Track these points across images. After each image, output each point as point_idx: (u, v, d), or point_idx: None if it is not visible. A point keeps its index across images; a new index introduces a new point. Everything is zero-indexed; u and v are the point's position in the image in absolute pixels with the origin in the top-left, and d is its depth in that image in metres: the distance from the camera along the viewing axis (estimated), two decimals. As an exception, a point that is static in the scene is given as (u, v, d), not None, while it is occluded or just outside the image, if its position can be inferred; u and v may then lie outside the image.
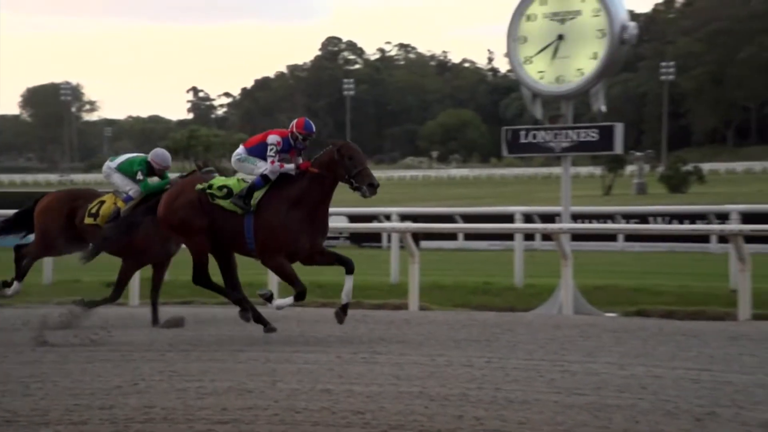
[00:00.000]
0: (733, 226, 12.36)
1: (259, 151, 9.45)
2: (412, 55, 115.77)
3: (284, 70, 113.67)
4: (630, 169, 56.75)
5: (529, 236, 15.17)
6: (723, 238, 13.28)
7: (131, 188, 10.46)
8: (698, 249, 18.12)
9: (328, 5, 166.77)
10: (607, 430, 5.86)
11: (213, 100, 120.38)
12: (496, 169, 74.26)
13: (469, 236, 20.82)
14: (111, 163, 10.81)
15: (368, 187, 9.06)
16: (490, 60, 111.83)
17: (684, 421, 6.04)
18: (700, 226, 16.67)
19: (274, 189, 9.31)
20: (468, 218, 19.28)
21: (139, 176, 10.46)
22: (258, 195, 9.26)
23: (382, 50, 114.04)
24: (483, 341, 9.33)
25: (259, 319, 9.50)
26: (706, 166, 58.28)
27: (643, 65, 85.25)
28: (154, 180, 10.59)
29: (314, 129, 9.47)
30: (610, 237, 19.34)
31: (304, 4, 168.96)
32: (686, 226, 17.81)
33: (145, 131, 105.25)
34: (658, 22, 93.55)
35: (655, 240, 19.10)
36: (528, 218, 17.30)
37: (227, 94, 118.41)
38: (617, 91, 74.43)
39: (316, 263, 9.58)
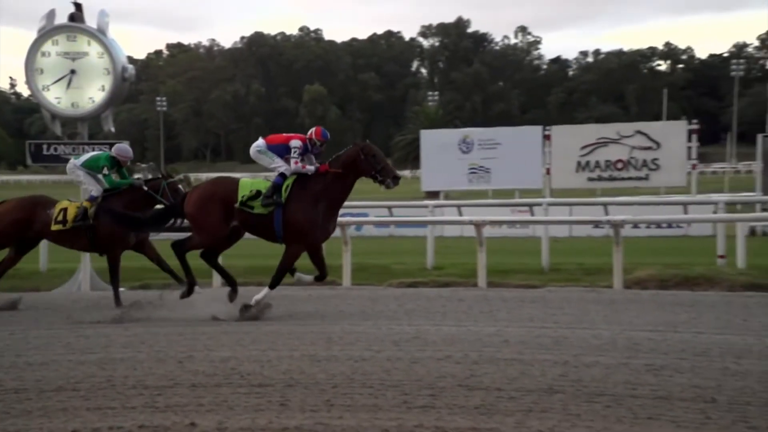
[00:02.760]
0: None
1: (278, 150, 8.39)
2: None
3: None
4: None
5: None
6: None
7: (93, 188, 9.23)
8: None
9: None
10: (112, 378, 5.66)
11: None
12: (23, 175, 68.23)
13: None
14: (76, 161, 9.45)
15: (393, 180, 8.16)
16: (13, 85, 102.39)
17: (168, 364, 6.03)
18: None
19: (301, 187, 8.24)
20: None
21: (105, 171, 9.20)
22: (285, 188, 8.19)
23: None
24: (5, 317, 8.46)
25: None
26: (193, 176, 60.43)
27: (143, 98, 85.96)
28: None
29: (329, 136, 8.54)
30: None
31: None
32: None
33: None
34: (152, 67, 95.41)
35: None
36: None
37: None
38: (124, 117, 73.93)
39: (314, 255, 8.42)
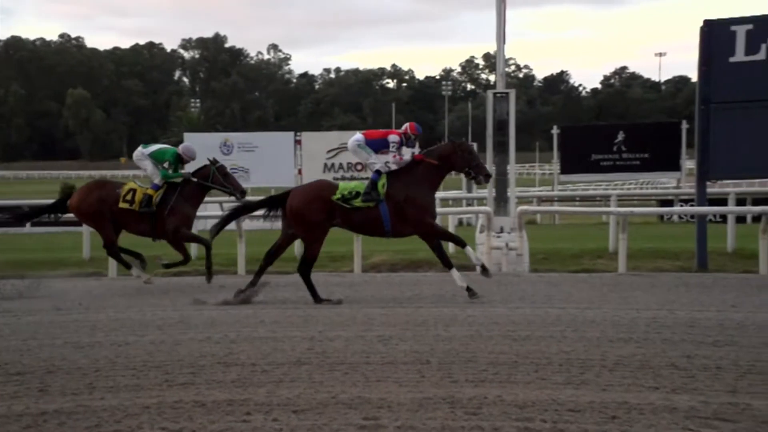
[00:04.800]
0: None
1: (376, 145, 7.93)
2: None
3: None
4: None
5: None
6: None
7: (157, 178, 8.97)
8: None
9: None
10: None
11: None
12: None
13: None
14: (144, 150, 9.17)
15: (485, 177, 7.92)
16: None
17: None
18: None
19: (399, 178, 7.78)
20: None
21: (166, 165, 8.98)
22: (382, 185, 7.72)
23: None
24: None
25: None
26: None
27: None
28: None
29: (422, 131, 8.16)
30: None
31: None
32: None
33: None
34: None
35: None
36: None
37: None
38: None
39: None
